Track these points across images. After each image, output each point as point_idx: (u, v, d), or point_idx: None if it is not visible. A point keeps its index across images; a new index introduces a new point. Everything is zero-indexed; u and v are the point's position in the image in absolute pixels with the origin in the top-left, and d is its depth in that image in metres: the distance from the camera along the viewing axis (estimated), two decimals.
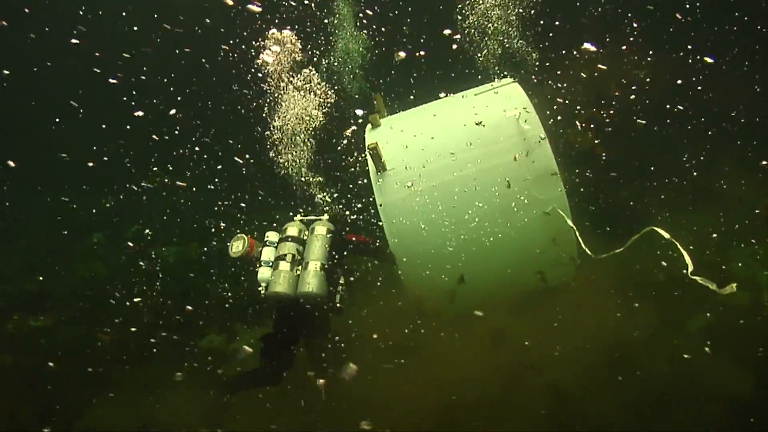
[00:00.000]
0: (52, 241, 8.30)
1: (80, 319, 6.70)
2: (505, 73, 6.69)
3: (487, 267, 4.32)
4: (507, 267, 4.30)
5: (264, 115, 5.89)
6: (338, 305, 4.33)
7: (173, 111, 8.28)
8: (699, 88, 7.09)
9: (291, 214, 4.77)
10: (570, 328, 4.56)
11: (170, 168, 9.30)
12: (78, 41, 8.50)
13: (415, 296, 4.42)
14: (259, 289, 4.30)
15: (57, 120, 9.35)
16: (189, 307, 6.62)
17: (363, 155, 5.55)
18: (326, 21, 8.10)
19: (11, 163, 8.13)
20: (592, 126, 6.18)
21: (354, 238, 4.60)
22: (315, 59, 7.34)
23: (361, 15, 8.27)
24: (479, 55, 6.95)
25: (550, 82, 6.99)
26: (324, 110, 5.81)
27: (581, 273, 4.59)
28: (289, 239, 4.36)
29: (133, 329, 6.28)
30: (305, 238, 4.41)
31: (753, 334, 4.71)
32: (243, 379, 4.57)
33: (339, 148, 7.31)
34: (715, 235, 6.10)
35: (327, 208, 5.05)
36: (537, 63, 7.01)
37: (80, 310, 6.84)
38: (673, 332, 5.08)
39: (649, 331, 4.94)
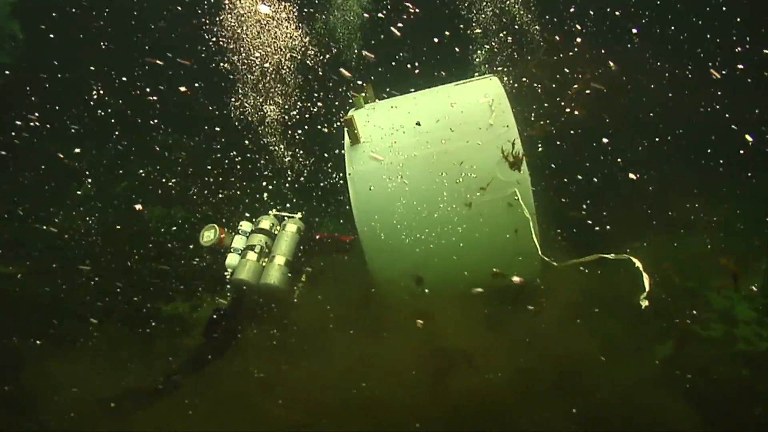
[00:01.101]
0: (38, 189, 8.25)
1: (50, 271, 6.66)
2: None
3: (448, 247, 4.32)
4: (469, 249, 4.30)
5: None
6: (295, 300, 4.55)
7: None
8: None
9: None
10: (524, 333, 4.45)
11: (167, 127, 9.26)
12: None
13: (376, 271, 4.39)
14: (225, 273, 4.57)
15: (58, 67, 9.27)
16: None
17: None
18: None
19: None
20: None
21: (323, 237, 4.94)
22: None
23: None
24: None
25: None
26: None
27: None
28: (261, 231, 4.63)
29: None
30: (276, 232, 4.68)
31: (714, 370, 4.54)
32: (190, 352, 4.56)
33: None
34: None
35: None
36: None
37: (52, 262, 6.80)
38: (636, 356, 4.92)
39: (610, 351, 4.80)
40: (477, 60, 7.02)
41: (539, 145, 6.17)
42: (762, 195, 6.72)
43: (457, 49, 7.27)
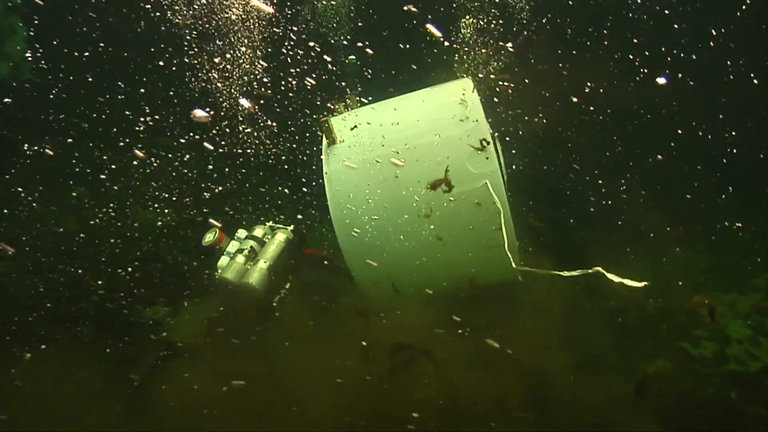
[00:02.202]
0: (31, 190, 8.28)
1: (35, 272, 6.65)
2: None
3: (424, 241, 4.31)
4: (445, 242, 4.27)
5: None
6: (275, 304, 4.78)
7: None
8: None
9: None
10: (500, 339, 4.26)
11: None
12: None
13: (354, 267, 4.46)
14: (215, 273, 4.95)
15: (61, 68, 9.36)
16: None
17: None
18: None
19: None
20: None
21: (312, 253, 5.22)
22: None
23: None
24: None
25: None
26: None
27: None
28: (252, 238, 4.98)
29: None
30: (267, 241, 4.99)
31: (700, 392, 4.30)
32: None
33: None
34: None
35: None
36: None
37: (39, 262, 6.79)
38: (620, 373, 4.68)
39: (591, 365, 4.60)
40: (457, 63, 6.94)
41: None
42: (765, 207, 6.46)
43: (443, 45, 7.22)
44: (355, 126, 4.56)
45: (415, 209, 4.24)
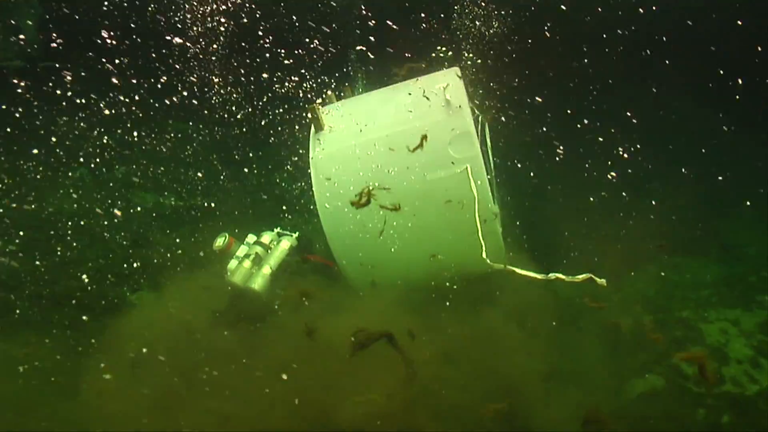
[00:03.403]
0: (34, 169, 8.29)
1: (24, 251, 6.63)
2: None
3: (407, 226, 4.35)
4: (427, 229, 4.34)
5: None
6: (276, 307, 4.95)
7: None
8: None
9: None
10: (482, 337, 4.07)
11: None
12: None
13: (338, 254, 4.59)
14: (225, 275, 5.27)
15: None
16: None
17: None
18: None
19: None
20: None
21: (313, 259, 5.44)
22: None
23: None
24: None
25: None
26: None
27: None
28: (260, 244, 5.35)
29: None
30: (273, 247, 5.34)
31: (689, 414, 4.00)
32: None
33: None
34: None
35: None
36: None
37: (27, 243, 6.76)
38: (605, 387, 4.41)
39: (574, 376, 4.33)
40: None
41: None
42: None
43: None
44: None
45: (398, 194, 4.25)
